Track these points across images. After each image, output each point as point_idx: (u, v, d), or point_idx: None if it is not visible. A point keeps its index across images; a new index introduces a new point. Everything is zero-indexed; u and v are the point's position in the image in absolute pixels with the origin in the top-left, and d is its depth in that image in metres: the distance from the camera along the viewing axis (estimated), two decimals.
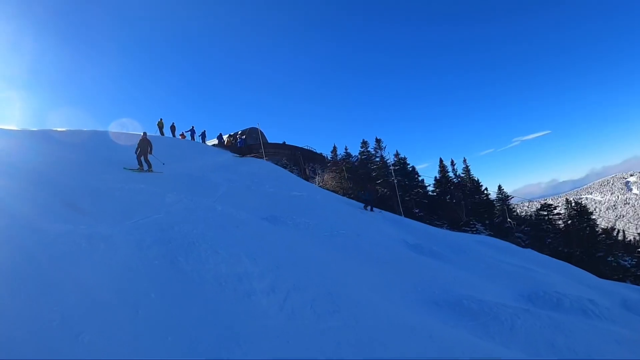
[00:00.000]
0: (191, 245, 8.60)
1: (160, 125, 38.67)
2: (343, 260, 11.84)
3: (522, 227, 52.93)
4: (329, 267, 10.69)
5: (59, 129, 24.80)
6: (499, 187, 58.40)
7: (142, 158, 18.92)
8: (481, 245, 21.57)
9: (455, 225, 46.78)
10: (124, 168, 17.22)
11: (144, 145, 19.48)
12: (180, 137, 39.59)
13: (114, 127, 32.58)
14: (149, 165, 19.40)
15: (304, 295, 7.93)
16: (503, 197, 57.46)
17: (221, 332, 5.85)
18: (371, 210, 25.84)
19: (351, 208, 24.32)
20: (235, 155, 28.89)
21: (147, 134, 19.97)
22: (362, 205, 26.51)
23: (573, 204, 54.32)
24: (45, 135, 21.19)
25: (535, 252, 25.72)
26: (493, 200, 57.22)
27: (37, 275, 5.52)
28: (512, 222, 52.33)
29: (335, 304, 7.82)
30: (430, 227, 27.87)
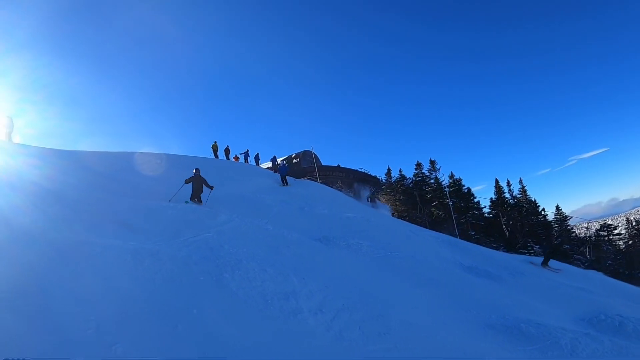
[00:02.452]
0: (239, 263, 8.55)
1: (215, 148, 39.35)
2: (396, 281, 11.39)
3: (581, 248, 51.53)
4: (381, 288, 10.33)
5: (111, 151, 25.34)
6: (557, 207, 56.13)
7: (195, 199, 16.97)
8: (539, 268, 21.00)
9: (512, 247, 45.10)
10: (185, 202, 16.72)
11: (198, 184, 17.33)
12: (234, 159, 39.87)
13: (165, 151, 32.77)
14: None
15: (353, 316, 7.67)
16: (561, 218, 55.23)
17: (263, 351, 5.68)
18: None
19: (405, 229, 23.96)
20: (280, 184, 27.76)
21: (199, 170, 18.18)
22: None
23: (634, 223, 52.53)
24: (98, 157, 21.56)
25: (596, 273, 24.91)
26: (551, 222, 54.87)
27: (77, 285, 5.59)
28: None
29: (385, 325, 7.53)
30: (486, 249, 27.09)
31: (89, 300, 5.28)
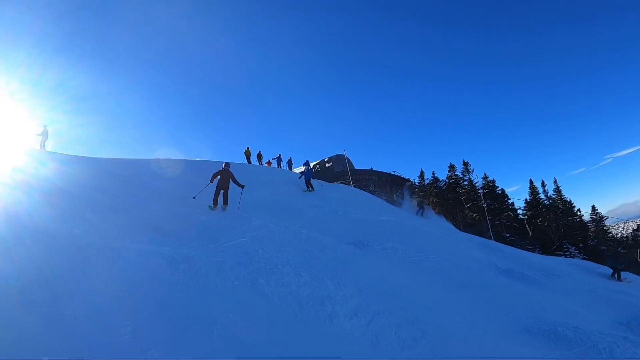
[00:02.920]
0: (273, 268, 8.57)
1: (248, 154, 39.72)
2: (431, 285, 11.22)
3: (618, 249, 50.50)
4: (416, 291, 10.19)
5: (156, 158, 25.53)
6: (593, 207, 54.06)
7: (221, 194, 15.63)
8: (575, 269, 20.62)
9: (547, 248, 44.10)
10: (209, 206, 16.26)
11: (225, 179, 15.89)
12: (266, 164, 40.30)
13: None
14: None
15: (388, 320, 7.58)
16: (597, 219, 53.14)
17: (299, 357, 5.62)
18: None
19: (440, 232, 23.75)
20: (304, 190, 26.44)
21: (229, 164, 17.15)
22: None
23: None
24: (124, 164, 21.80)
25: (634, 275, 24.42)
26: (587, 222, 53.16)
27: (113, 291, 5.66)
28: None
29: (421, 329, 7.43)
30: (521, 251, 26.61)
31: (125, 306, 5.37)
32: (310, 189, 26.84)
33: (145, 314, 5.33)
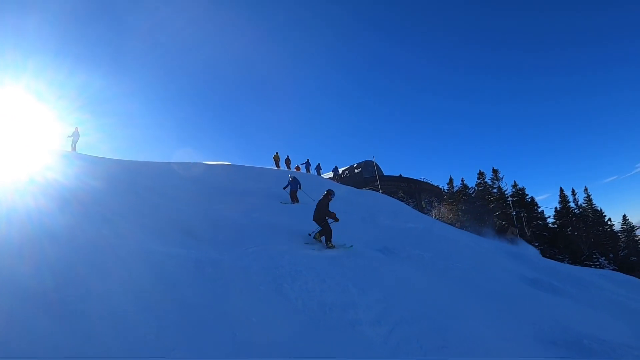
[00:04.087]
0: (298, 274, 8.65)
1: (276, 159, 40.08)
2: (456, 293, 11.01)
3: None
4: (440, 300, 9.99)
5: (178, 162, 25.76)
6: (624, 217, 52.95)
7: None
8: (604, 280, 20.25)
9: (577, 258, 43.09)
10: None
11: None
12: (295, 170, 40.45)
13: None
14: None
15: (411, 328, 7.54)
16: (628, 228, 51.99)
17: None
18: None
19: (469, 240, 23.55)
20: (283, 202, 22.91)
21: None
22: None
23: None
24: (165, 167, 21.98)
25: None
26: (617, 232, 52.17)
27: (139, 292, 5.80)
28: None
29: (444, 338, 7.36)
30: (550, 260, 26.30)
31: (150, 307, 5.48)
32: (294, 201, 22.38)
33: (170, 316, 5.45)
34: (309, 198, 20.17)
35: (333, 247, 12.97)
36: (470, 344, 7.49)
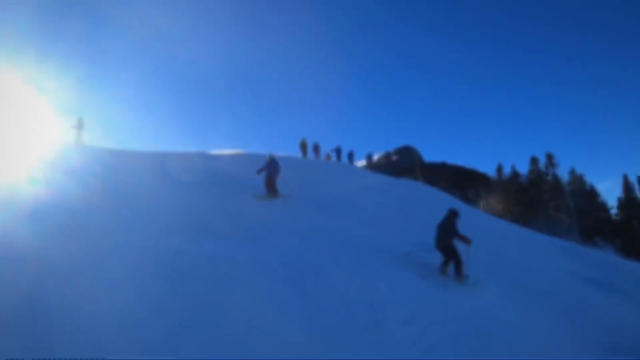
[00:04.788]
0: (322, 270, 8.29)
1: (303, 145, 35.81)
2: (500, 293, 10.44)
3: None
4: (482, 300, 9.50)
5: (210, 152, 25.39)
6: None
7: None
8: None
9: None
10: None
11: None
12: (326, 158, 38.02)
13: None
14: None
15: (445, 330, 7.22)
16: None
17: None
18: None
19: (517, 233, 22.24)
20: (259, 198, 18.93)
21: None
22: None
23: None
24: (162, 158, 21.35)
25: None
26: None
27: (148, 290, 5.79)
28: None
29: (482, 342, 7.03)
30: (612, 257, 25.01)
31: (160, 305, 5.49)
32: (272, 194, 16.38)
33: (180, 314, 5.46)
34: (290, 189, 16.71)
35: (464, 281, 10.46)
36: (513, 349, 7.25)
